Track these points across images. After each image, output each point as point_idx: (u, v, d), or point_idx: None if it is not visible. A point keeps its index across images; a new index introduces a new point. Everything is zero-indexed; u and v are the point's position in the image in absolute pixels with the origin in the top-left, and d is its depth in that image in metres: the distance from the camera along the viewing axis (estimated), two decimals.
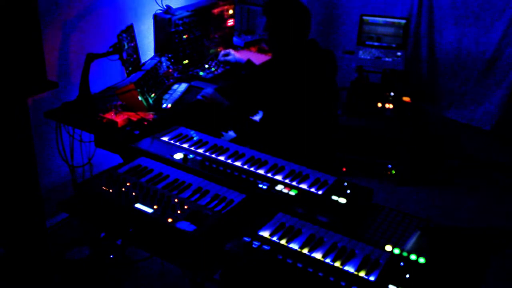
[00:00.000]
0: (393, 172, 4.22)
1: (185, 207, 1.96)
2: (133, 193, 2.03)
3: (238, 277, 1.82)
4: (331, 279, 1.68)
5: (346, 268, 1.74)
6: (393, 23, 4.30)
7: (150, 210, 1.95)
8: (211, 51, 3.65)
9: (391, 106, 4.24)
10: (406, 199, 4.04)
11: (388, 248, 1.84)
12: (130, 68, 3.06)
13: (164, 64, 3.32)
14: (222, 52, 3.48)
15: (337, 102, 2.98)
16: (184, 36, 3.40)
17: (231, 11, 3.85)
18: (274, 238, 1.85)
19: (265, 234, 1.87)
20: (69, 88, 3.23)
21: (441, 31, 4.48)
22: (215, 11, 3.69)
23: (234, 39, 4.00)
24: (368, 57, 4.26)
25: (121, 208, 1.98)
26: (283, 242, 1.83)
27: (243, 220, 1.95)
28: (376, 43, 4.32)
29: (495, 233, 3.65)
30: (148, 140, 2.46)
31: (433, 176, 4.33)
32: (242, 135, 2.90)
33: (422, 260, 1.79)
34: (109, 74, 3.38)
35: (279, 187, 2.12)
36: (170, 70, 3.34)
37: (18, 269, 2.95)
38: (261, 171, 2.24)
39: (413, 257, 1.80)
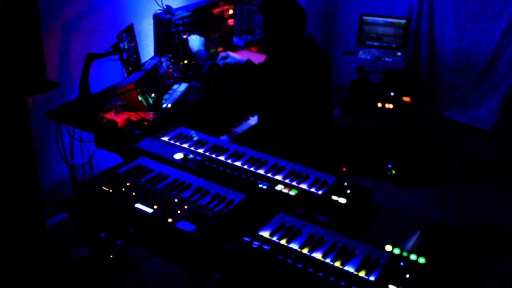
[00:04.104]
0: (393, 172, 4.22)
1: (185, 207, 1.96)
2: (133, 193, 2.03)
3: (238, 277, 1.83)
4: (331, 279, 1.68)
5: (346, 268, 1.74)
6: (393, 23, 4.30)
7: (150, 210, 1.95)
8: (211, 51, 3.64)
9: (391, 106, 4.24)
10: (406, 199, 4.04)
11: (388, 248, 1.84)
12: (130, 68, 3.06)
13: (164, 64, 3.32)
14: (221, 55, 3.48)
15: (331, 100, 2.99)
16: (184, 36, 3.40)
17: (231, 11, 3.84)
18: (274, 238, 1.85)
19: (265, 234, 1.87)
20: (69, 88, 3.23)
21: (441, 31, 4.48)
22: (215, 11, 3.69)
23: (234, 39, 4.00)
24: (368, 57, 4.25)
25: (121, 208, 1.99)
26: (283, 242, 1.84)
27: (243, 220, 1.95)
28: (376, 43, 4.32)
29: (495, 233, 3.65)
30: (148, 140, 2.46)
31: (433, 176, 4.33)
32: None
33: (422, 260, 1.79)
34: (109, 74, 3.38)
35: (279, 187, 2.12)
36: (170, 70, 3.34)
37: (18, 269, 2.95)
38: (261, 171, 2.24)
39: (413, 257, 1.80)
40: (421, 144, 4.45)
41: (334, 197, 2.07)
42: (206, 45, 3.46)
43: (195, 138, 2.51)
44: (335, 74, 4.55)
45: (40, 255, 3.03)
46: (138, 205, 1.97)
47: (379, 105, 4.26)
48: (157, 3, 3.46)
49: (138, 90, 2.81)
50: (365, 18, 4.33)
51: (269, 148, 2.55)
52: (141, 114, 2.80)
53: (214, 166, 2.26)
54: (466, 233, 1.97)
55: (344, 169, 4.24)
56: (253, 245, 1.80)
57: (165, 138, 2.49)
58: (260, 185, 2.13)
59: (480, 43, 4.36)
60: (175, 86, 3.20)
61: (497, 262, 2.96)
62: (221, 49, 3.78)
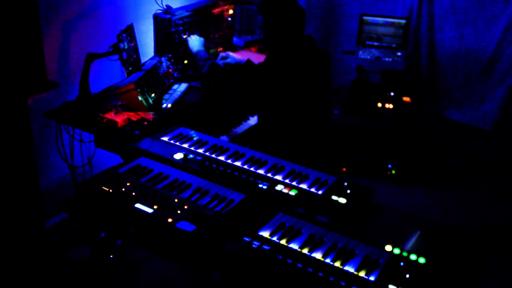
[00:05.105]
0: (393, 172, 4.22)
1: (185, 207, 1.96)
2: (133, 193, 2.03)
3: (238, 277, 1.82)
4: (331, 279, 1.68)
5: (346, 268, 1.74)
6: (393, 23, 4.30)
7: (150, 210, 1.95)
8: (211, 51, 3.64)
9: (391, 106, 4.24)
10: (406, 199, 4.04)
11: (388, 248, 1.84)
12: (130, 68, 3.06)
13: (164, 64, 3.32)
14: (221, 55, 3.48)
15: (330, 100, 3.00)
16: (184, 36, 3.40)
17: (231, 11, 3.85)
18: (274, 238, 1.85)
19: (265, 234, 1.87)
20: (69, 88, 3.23)
21: (441, 31, 4.48)
22: (215, 11, 3.69)
23: (234, 39, 4.00)
24: (368, 57, 4.26)
25: (121, 208, 1.98)
26: (283, 242, 1.84)
27: (243, 220, 1.95)
28: (376, 43, 4.32)
29: (495, 233, 3.65)
30: (148, 140, 2.46)
31: (433, 176, 4.33)
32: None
33: (422, 260, 1.79)
34: (109, 74, 3.38)
35: (279, 187, 2.12)
36: (170, 70, 3.34)
37: (18, 269, 2.95)
38: (261, 171, 2.24)
39: (413, 257, 1.80)
40: (421, 144, 4.45)
41: (334, 197, 2.07)
42: (206, 45, 3.46)
43: (195, 138, 2.51)
44: (335, 74, 4.56)
45: (40, 255, 3.03)
46: (138, 205, 1.97)
47: (379, 105, 4.26)
48: (157, 3, 3.46)
49: (138, 90, 2.81)
50: (365, 18, 4.33)
51: (269, 148, 2.55)
52: (141, 114, 2.80)
53: (214, 166, 2.26)
54: (466, 233, 1.97)
55: (344, 169, 4.24)
56: (253, 245, 1.80)
57: (165, 138, 2.49)
58: (260, 185, 2.13)
59: (480, 43, 4.36)
60: (175, 86, 3.20)
61: (497, 261, 2.96)
62: (221, 49, 3.78)
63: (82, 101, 2.88)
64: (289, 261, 1.74)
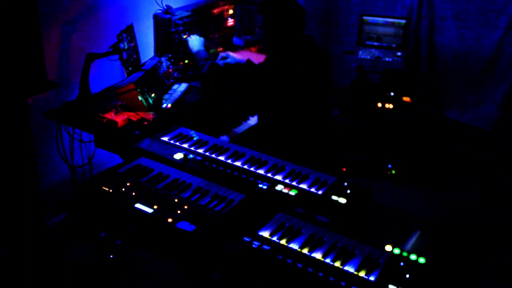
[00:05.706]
0: (393, 172, 4.22)
1: (185, 207, 1.96)
2: (133, 193, 2.03)
3: (238, 277, 1.82)
4: (331, 279, 1.68)
5: (346, 268, 1.74)
6: (393, 23, 4.30)
7: (150, 210, 1.95)
8: (211, 51, 3.64)
9: (391, 106, 4.24)
10: (406, 199, 4.04)
11: (388, 248, 1.84)
12: (130, 68, 3.06)
13: (164, 64, 3.32)
14: (221, 55, 3.48)
15: (330, 99, 3.00)
16: (184, 36, 3.40)
17: (231, 11, 3.84)
18: (274, 238, 1.85)
19: (265, 234, 1.87)
20: (69, 88, 3.23)
21: (441, 31, 4.48)
22: (215, 11, 3.69)
23: (234, 39, 4.00)
24: (368, 57, 4.26)
25: (121, 208, 1.99)
26: (283, 242, 1.84)
27: (243, 220, 1.95)
28: (376, 43, 4.32)
29: (495, 232, 3.65)
30: (148, 140, 2.47)
31: (433, 176, 4.33)
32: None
33: (422, 260, 1.79)
34: (109, 74, 3.38)
35: (279, 187, 2.12)
36: (170, 70, 3.34)
37: (18, 269, 2.95)
38: (261, 171, 2.24)
39: (413, 257, 1.80)
40: (421, 144, 4.45)
41: (334, 197, 2.07)
42: (206, 45, 3.46)
43: (195, 138, 2.51)
44: (335, 74, 4.57)
45: (40, 255, 3.03)
46: (138, 205, 1.97)
47: (379, 105, 4.26)
48: (157, 3, 3.46)
49: (138, 90, 2.81)
50: (365, 18, 4.33)
51: (269, 148, 2.55)
52: (141, 114, 2.80)
53: (214, 166, 2.26)
54: (465, 232, 1.98)
55: (344, 169, 4.24)
56: (253, 245, 1.80)
57: (165, 138, 2.49)
58: (260, 185, 2.13)
59: (480, 43, 4.36)
60: (175, 86, 3.20)
61: (497, 261, 2.96)
62: (221, 49, 3.78)
63: (82, 101, 2.89)
64: (289, 261, 1.75)
